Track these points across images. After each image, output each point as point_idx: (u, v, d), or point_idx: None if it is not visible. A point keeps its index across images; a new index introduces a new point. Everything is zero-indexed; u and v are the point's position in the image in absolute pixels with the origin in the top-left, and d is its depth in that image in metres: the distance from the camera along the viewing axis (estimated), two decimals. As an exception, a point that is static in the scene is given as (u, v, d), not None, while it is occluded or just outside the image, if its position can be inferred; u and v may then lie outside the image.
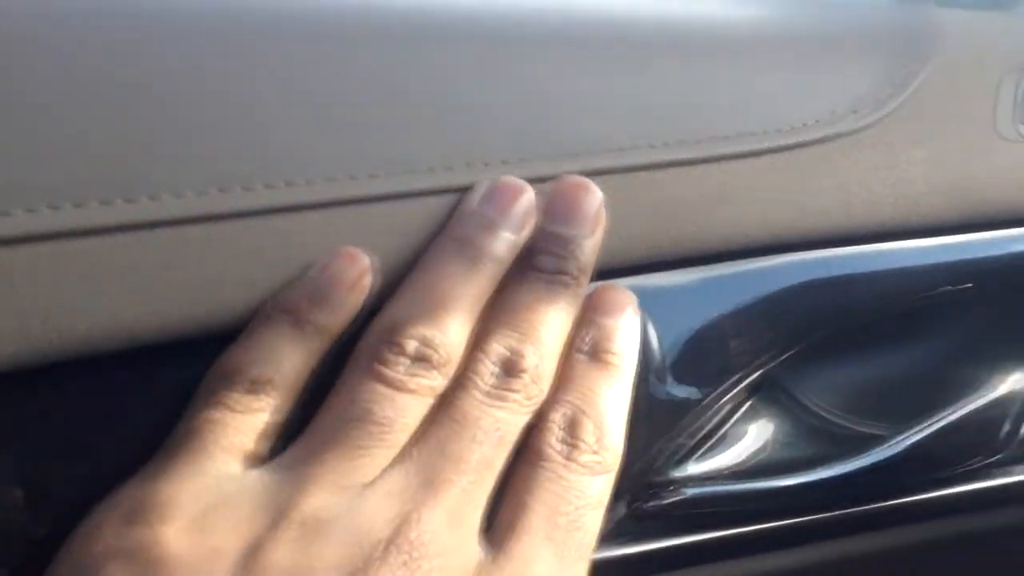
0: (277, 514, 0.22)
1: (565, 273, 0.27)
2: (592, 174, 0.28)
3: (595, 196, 0.28)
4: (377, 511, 0.23)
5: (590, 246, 0.27)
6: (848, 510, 0.37)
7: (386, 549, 0.22)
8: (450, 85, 0.27)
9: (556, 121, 0.28)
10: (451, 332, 0.25)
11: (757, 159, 0.31)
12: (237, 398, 0.24)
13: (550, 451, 0.25)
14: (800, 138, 0.33)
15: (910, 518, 0.39)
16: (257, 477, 0.23)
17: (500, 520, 0.24)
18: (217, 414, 0.24)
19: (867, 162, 0.34)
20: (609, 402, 0.27)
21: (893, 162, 0.35)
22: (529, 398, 0.25)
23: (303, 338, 0.25)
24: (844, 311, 0.32)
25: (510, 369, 0.25)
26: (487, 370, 0.25)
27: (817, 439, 0.35)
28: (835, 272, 0.33)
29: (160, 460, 0.24)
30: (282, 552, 0.22)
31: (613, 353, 0.27)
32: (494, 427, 0.25)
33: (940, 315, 0.40)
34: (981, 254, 0.38)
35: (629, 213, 0.29)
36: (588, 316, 0.28)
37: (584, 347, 0.27)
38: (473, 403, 0.25)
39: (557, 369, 0.27)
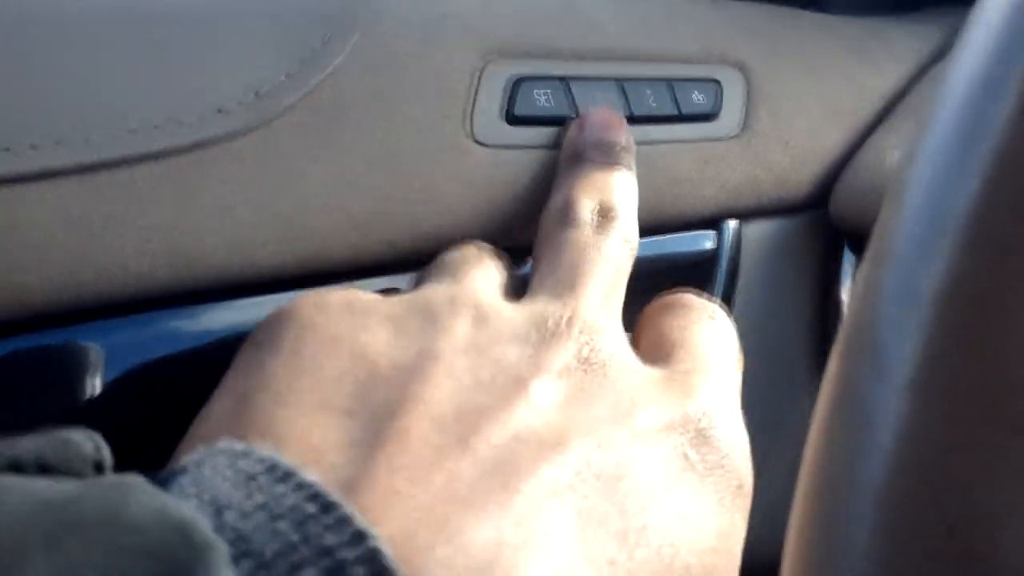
0: (451, 305, 0.24)
1: (620, 163, 0.30)
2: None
3: (625, 125, 0.31)
4: (545, 304, 0.25)
5: (629, 159, 0.30)
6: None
7: (569, 322, 0.24)
8: None
9: None
10: None
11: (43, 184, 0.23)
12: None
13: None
14: (122, 152, 0.24)
15: None
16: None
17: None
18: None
19: (233, 182, 0.25)
20: None
21: (263, 182, 0.26)
22: (626, 240, 0.28)
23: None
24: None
25: (606, 214, 0.28)
26: (589, 215, 0.28)
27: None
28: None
29: None
30: (461, 328, 0.23)
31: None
32: (608, 254, 0.27)
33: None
34: None
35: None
36: None
37: None
38: (583, 236, 0.27)
39: None
